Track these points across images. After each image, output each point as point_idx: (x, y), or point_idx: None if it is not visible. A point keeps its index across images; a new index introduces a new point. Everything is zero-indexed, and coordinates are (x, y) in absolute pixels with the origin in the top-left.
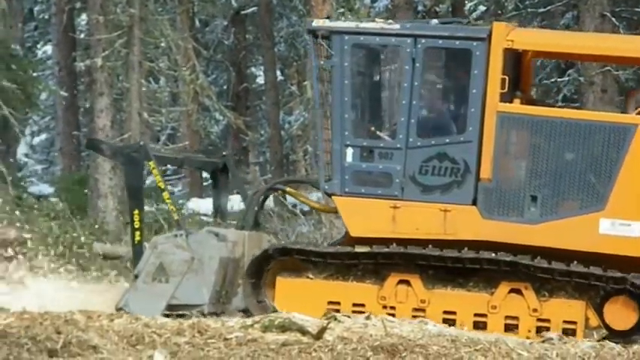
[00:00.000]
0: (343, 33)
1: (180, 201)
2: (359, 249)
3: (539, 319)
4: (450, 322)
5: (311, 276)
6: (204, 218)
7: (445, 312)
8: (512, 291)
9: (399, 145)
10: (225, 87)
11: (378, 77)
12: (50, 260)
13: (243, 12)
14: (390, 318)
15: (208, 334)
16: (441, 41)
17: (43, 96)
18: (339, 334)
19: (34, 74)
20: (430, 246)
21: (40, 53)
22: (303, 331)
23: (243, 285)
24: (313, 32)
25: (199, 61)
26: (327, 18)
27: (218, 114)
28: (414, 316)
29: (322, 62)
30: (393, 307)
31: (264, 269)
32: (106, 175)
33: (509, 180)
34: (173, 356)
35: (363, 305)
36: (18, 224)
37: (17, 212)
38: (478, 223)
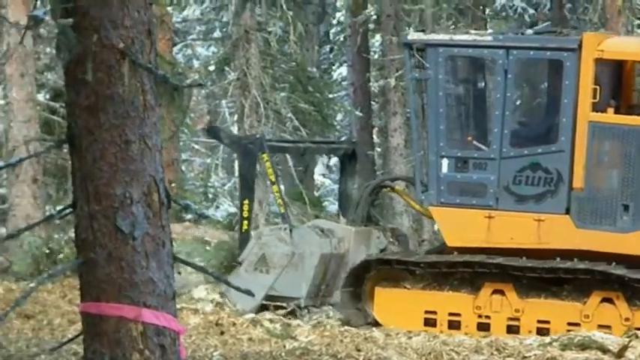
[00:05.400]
0: (437, 45)
1: None
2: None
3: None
4: None
5: (408, 286)
6: None
7: (539, 321)
8: (604, 300)
9: (492, 156)
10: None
11: (472, 88)
12: None
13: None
14: None
15: (506, 352)
16: (532, 52)
17: (339, 116)
18: None
19: (330, 95)
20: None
21: (335, 75)
22: (604, 349)
23: (341, 294)
24: (409, 45)
25: None
26: (422, 31)
27: None
28: (509, 326)
29: (417, 75)
30: (488, 317)
31: (364, 278)
32: None
33: (602, 189)
34: None
35: (459, 315)
36: None
37: None
38: (571, 232)
